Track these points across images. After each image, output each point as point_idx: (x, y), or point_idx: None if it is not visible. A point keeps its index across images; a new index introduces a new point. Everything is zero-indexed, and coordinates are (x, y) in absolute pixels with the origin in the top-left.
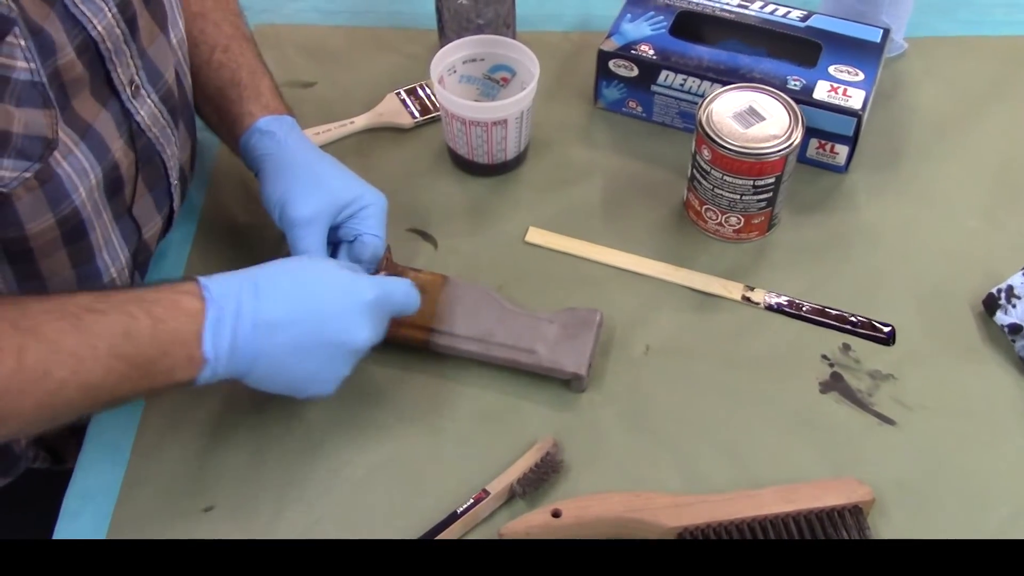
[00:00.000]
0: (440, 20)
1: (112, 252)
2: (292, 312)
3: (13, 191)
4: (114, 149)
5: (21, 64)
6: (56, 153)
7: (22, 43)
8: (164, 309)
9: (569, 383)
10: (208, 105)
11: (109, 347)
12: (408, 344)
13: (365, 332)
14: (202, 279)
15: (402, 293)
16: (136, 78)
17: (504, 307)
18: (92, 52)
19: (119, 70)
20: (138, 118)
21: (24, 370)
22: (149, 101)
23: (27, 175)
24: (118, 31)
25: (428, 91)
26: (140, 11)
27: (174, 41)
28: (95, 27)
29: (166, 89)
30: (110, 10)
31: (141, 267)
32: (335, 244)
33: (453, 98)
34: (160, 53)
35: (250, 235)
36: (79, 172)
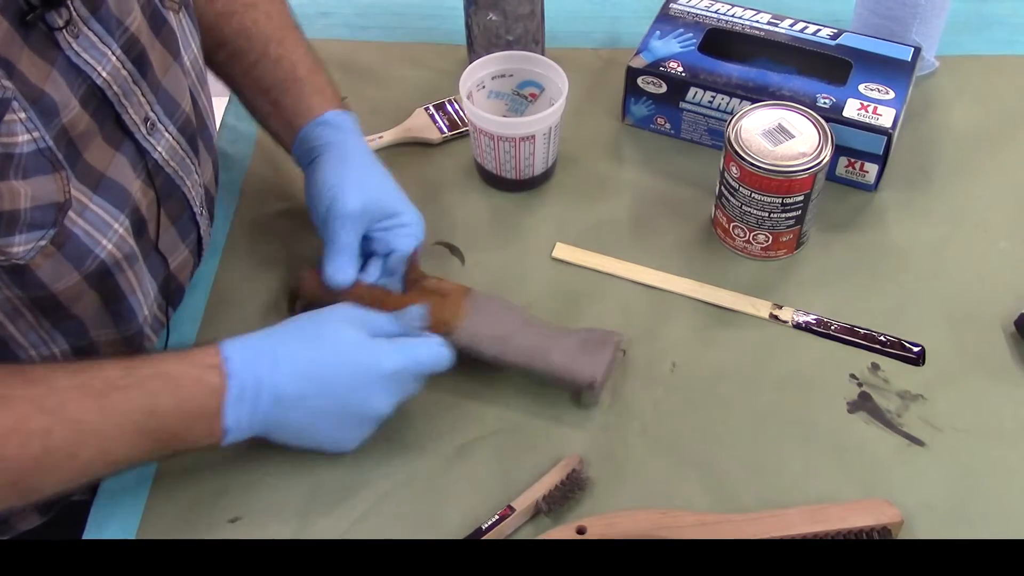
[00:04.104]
0: (469, 36)
1: (144, 289)
2: (309, 387)
3: (31, 260)
4: (133, 191)
5: (23, 137)
6: (71, 212)
7: (21, 116)
8: (187, 387)
9: (581, 397)
10: (263, 97)
11: (134, 424)
12: None
13: (381, 402)
14: (223, 347)
15: (430, 356)
16: (151, 114)
17: (524, 317)
18: (99, 99)
19: (131, 111)
20: (155, 155)
21: (51, 453)
22: (167, 135)
23: (42, 243)
24: (124, 73)
25: (457, 106)
26: (151, 44)
27: (187, 63)
28: (100, 74)
29: (184, 118)
30: (114, 53)
31: (172, 297)
32: (366, 256)
33: (482, 113)
34: (174, 81)
35: (282, 239)
36: (99, 225)
